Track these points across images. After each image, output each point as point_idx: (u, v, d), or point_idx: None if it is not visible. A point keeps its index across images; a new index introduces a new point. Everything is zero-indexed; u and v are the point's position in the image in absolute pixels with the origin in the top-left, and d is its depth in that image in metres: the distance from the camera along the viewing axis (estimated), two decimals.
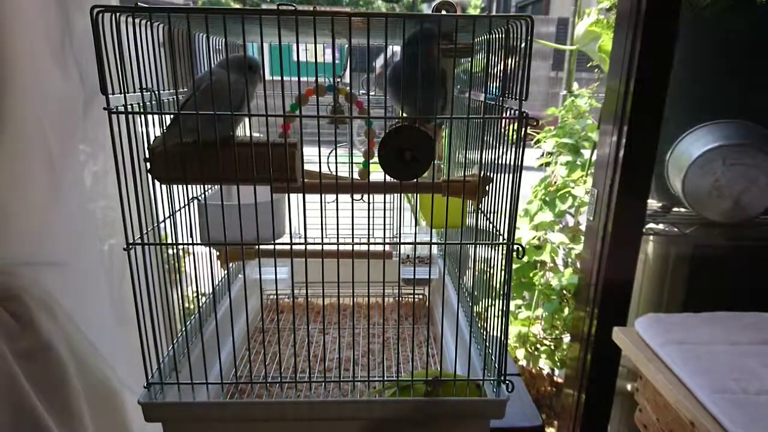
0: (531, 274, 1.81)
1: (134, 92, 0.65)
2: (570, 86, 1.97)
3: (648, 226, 1.26)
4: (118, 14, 0.60)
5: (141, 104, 0.65)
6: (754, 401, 0.79)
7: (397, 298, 1.20)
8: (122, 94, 0.62)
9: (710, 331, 0.98)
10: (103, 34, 0.59)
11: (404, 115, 0.79)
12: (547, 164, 1.91)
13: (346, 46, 0.74)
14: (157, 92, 0.68)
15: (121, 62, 0.62)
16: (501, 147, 0.71)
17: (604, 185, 1.20)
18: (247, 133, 0.82)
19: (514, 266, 1.77)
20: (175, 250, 0.78)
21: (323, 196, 0.71)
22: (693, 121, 1.26)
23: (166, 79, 0.75)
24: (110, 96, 0.61)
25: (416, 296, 1.24)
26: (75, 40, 0.86)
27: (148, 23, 0.66)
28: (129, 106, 0.63)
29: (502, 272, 0.72)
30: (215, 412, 0.73)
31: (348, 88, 0.90)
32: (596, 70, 1.89)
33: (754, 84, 1.29)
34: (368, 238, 0.72)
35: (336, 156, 0.80)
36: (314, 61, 0.74)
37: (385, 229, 0.78)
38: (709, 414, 0.78)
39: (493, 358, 0.78)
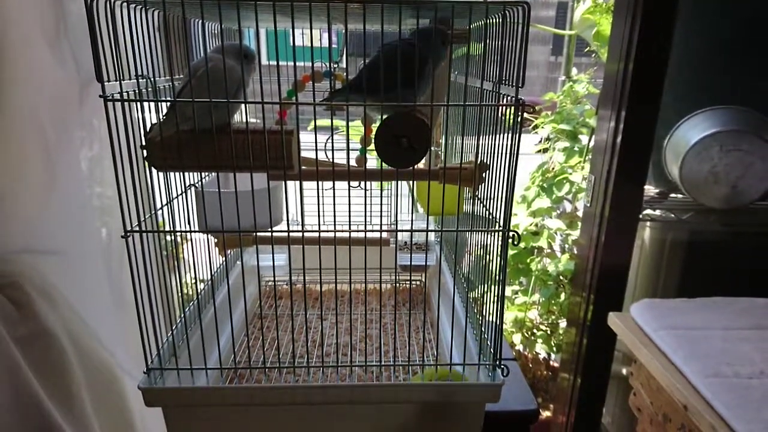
0: (528, 260, 1.82)
1: (130, 79, 0.65)
2: (568, 71, 1.96)
3: (645, 212, 1.26)
4: (112, 0, 0.60)
5: (137, 91, 0.65)
6: (746, 385, 0.80)
7: (394, 285, 1.21)
8: (118, 81, 0.62)
9: (704, 316, 0.99)
10: (98, 20, 0.59)
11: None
12: (545, 150, 1.90)
13: (343, 30, 0.74)
14: (152, 79, 0.68)
15: (116, 49, 0.61)
16: (498, 134, 0.71)
17: (602, 171, 1.20)
18: (244, 120, 0.82)
19: (512, 252, 1.78)
20: (172, 237, 0.79)
21: (320, 183, 0.71)
22: (691, 107, 1.26)
23: (162, 65, 0.75)
24: (106, 83, 0.61)
25: (413, 282, 1.25)
26: (70, 27, 0.85)
27: (143, 9, 0.66)
28: (125, 94, 0.63)
29: (498, 258, 0.73)
30: (214, 396, 0.74)
31: (345, 73, 0.89)
32: (594, 55, 1.88)
33: (753, 70, 1.28)
34: (365, 225, 0.72)
35: (333, 143, 0.80)
36: (310, 46, 0.74)
37: (381, 216, 0.78)
38: (701, 397, 0.80)
39: (488, 342, 0.78)
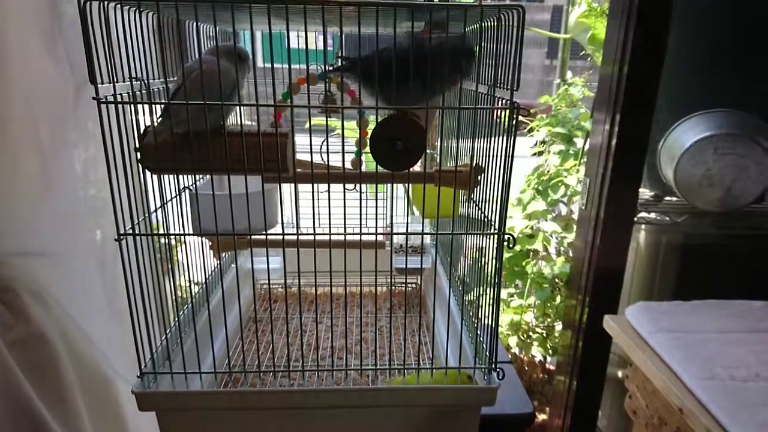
0: (523, 263, 1.82)
1: (124, 81, 0.64)
2: (563, 75, 1.97)
3: (640, 214, 1.26)
4: (106, 2, 0.59)
5: (130, 93, 0.65)
6: (741, 387, 0.80)
7: (389, 288, 1.20)
8: (111, 84, 0.62)
9: (699, 319, 0.99)
10: (92, 22, 0.58)
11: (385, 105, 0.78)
12: (540, 153, 1.91)
13: (339, 33, 0.74)
14: (146, 81, 0.68)
15: (110, 51, 0.61)
16: (493, 137, 0.71)
17: (597, 174, 1.20)
18: (239, 122, 0.82)
19: (507, 255, 1.78)
20: (166, 240, 0.78)
21: (315, 185, 0.71)
22: (685, 111, 1.26)
23: (156, 67, 0.74)
24: (100, 85, 0.60)
25: (409, 285, 1.25)
26: (65, 28, 0.85)
27: (137, 11, 0.66)
28: (119, 96, 0.63)
29: (494, 261, 0.73)
30: (209, 400, 0.74)
31: (340, 76, 0.89)
32: (589, 59, 1.89)
33: (748, 73, 1.29)
34: (360, 227, 0.72)
35: (327, 145, 0.80)
36: (305, 48, 0.73)
37: (377, 219, 0.78)
38: (697, 400, 0.80)
39: (484, 346, 0.78)
